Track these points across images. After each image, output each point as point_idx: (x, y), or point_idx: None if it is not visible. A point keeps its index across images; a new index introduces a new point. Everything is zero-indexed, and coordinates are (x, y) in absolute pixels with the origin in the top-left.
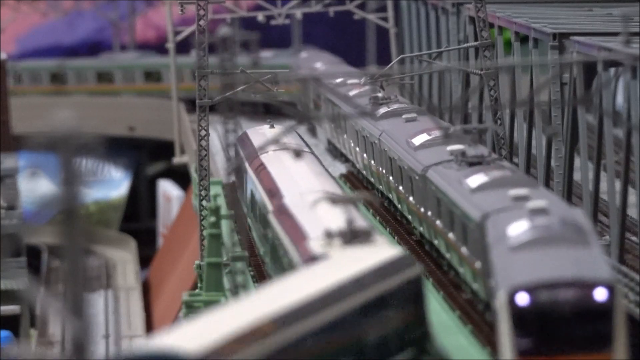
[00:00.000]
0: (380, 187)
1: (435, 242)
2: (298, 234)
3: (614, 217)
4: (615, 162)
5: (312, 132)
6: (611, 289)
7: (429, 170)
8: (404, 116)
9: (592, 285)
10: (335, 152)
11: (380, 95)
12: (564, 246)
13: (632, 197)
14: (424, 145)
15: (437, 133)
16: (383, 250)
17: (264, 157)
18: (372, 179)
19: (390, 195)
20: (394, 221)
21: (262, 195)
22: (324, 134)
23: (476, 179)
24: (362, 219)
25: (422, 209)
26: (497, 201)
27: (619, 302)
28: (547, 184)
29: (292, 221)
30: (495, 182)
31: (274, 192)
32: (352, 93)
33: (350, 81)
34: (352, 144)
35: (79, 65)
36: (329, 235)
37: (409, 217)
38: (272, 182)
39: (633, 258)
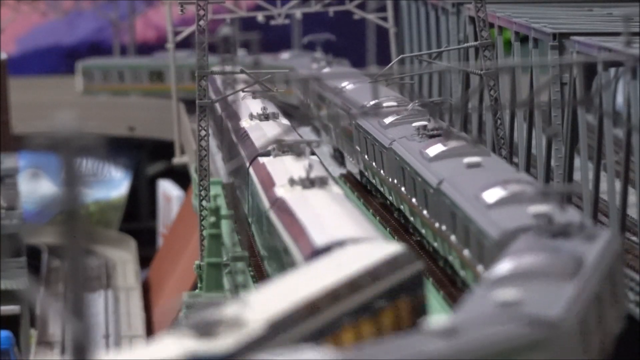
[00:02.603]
0: (435, 244)
1: None
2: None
3: (614, 217)
4: (615, 162)
5: (340, 160)
6: None
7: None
8: (465, 160)
9: None
10: (370, 187)
11: (429, 124)
12: None
13: (632, 197)
14: (500, 203)
15: (513, 187)
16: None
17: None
18: (423, 230)
19: (450, 257)
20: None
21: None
22: (354, 165)
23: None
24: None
25: None
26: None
27: None
28: (547, 183)
29: (245, 134)
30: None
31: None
32: (389, 120)
33: (386, 104)
34: (396, 182)
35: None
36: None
37: None
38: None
39: (633, 258)
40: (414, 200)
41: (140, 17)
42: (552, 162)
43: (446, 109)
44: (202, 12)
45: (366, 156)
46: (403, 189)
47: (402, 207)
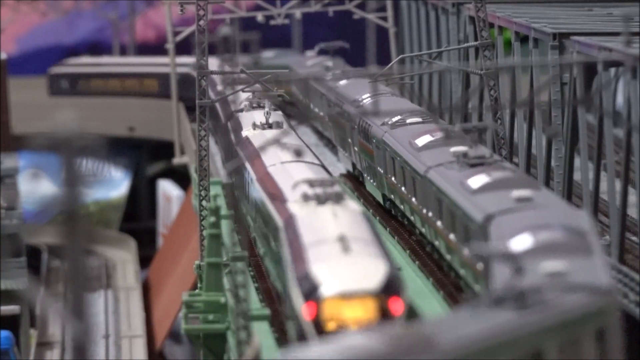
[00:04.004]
0: (477, 286)
1: None
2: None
3: (614, 217)
4: (615, 162)
5: (359, 179)
6: None
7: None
8: (514, 194)
9: None
10: (396, 212)
11: (470, 152)
12: None
13: (632, 197)
14: (548, 248)
15: (561, 229)
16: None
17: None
18: (462, 271)
19: None
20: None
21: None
22: (375, 187)
23: None
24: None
25: None
26: None
27: None
28: (547, 183)
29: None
30: None
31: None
32: (421, 142)
33: (410, 120)
34: (431, 214)
35: None
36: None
37: None
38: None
39: (633, 258)
40: (451, 236)
41: (140, 17)
42: (552, 162)
43: (446, 108)
44: (202, 12)
45: (393, 178)
46: (439, 223)
47: (437, 242)
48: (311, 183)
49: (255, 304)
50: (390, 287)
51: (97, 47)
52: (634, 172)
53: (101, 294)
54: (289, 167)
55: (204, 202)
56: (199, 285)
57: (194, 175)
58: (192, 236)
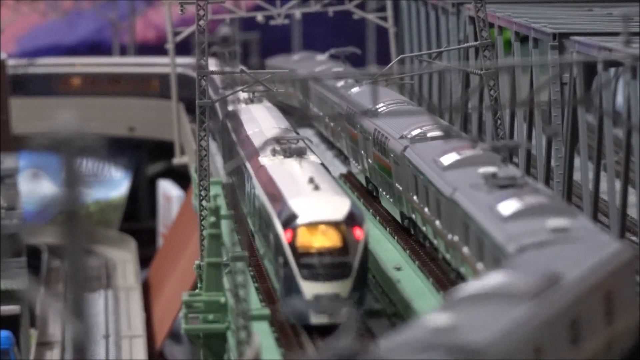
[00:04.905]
0: None
1: None
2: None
3: (614, 217)
4: (615, 162)
5: (373, 193)
6: None
7: None
8: (549, 224)
9: None
10: (416, 232)
11: (500, 172)
12: None
13: (632, 197)
14: (480, 298)
15: (531, 274)
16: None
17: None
18: None
19: None
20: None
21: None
22: (392, 204)
23: None
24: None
25: None
26: None
27: None
28: (547, 183)
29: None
30: None
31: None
32: (447, 161)
33: (431, 134)
34: (456, 239)
35: None
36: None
37: None
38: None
39: None
40: (480, 264)
41: (140, 17)
42: (552, 162)
43: (446, 108)
44: (202, 12)
45: (415, 197)
46: (466, 249)
47: (462, 269)
48: (278, 141)
49: (255, 304)
50: (354, 218)
51: (97, 47)
52: (634, 172)
53: (101, 294)
54: (266, 133)
55: (204, 202)
56: (199, 285)
57: (194, 175)
58: (192, 236)
